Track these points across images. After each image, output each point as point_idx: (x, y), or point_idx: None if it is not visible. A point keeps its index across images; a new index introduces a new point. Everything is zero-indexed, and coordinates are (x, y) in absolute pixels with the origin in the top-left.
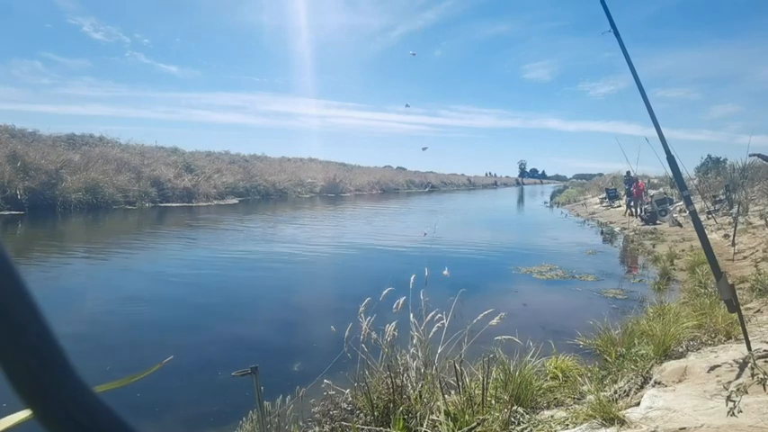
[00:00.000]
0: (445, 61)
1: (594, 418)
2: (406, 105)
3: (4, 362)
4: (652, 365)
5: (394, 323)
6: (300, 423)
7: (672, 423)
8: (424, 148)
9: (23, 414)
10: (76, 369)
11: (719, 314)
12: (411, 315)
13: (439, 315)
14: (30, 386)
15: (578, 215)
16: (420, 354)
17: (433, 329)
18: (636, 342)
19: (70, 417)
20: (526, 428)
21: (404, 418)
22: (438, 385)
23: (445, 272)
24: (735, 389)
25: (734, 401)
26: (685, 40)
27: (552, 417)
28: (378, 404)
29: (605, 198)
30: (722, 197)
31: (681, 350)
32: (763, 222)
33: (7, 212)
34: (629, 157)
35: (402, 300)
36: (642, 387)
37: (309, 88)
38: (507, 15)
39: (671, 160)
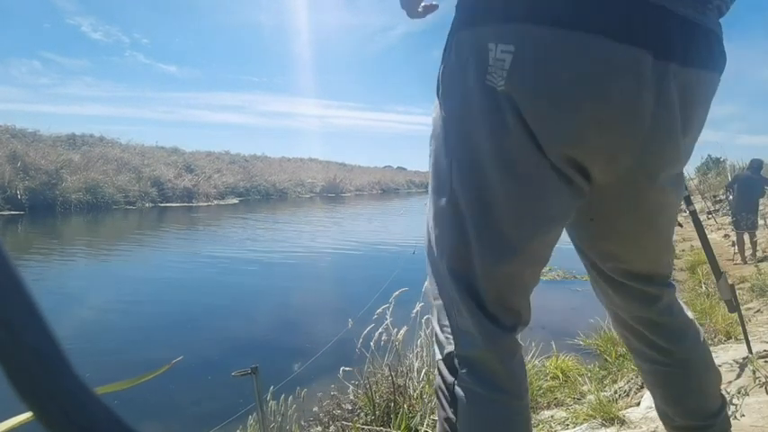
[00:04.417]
0: None
1: (594, 418)
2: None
3: (4, 362)
4: None
5: (405, 327)
6: (302, 423)
7: None
8: None
9: (24, 416)
10: (77, 369)
11: (719, 314)
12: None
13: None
14: (30, 387)
15: None
16: (424, 353)
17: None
18: None
19: (70, 418)
20: None
21: (405, 418)
22: None
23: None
24: (736, 391)
25: (735, 405)
26: None
27: (552, 417)
28: (379, 403)
29: None
30: (722, 197)
31: None
32: (763, 222)
33: (7, 212)
34: None
35: (420, 305)
36: (642, 387)
37: (309, 88)
38: None
39: None
